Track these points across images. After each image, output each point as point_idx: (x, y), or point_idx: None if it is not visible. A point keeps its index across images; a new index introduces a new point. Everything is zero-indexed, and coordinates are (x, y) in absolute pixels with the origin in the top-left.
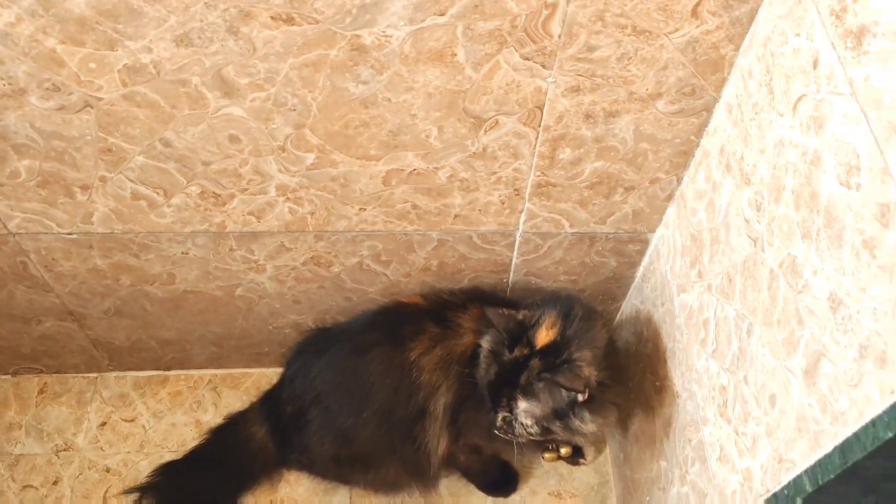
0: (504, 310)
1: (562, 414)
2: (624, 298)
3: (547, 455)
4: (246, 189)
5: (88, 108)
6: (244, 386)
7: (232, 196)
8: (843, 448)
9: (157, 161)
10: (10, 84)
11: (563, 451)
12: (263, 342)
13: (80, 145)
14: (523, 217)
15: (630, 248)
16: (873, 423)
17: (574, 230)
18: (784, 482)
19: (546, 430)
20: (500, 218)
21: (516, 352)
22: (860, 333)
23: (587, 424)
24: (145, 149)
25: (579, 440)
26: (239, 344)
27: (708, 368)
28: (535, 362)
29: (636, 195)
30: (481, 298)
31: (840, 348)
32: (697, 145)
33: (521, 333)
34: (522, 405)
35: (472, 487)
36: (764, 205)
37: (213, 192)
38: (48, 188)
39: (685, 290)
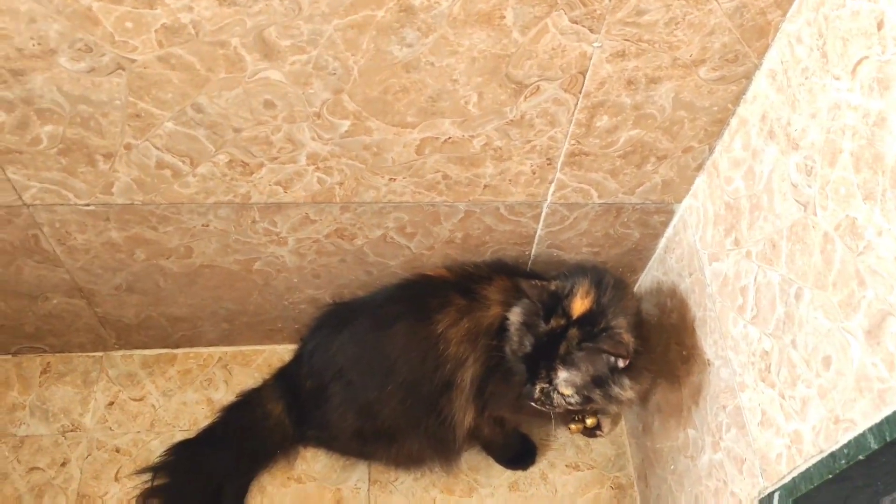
0: (537, 281)
1: (602, 382)
2: (643, 270)
3: (573, 426)
4: (276, 158)
5: (120, 71)
6: (255, 363)
7: (261, 165)
8: None
9: (187, 128)
10: (39, 44)
11: (589, 421)
12: (277, 318)
13: (107, 110)
14: (553, 188)
15: (655, 220)
16: None
17: (602, 201)
18: (842, 441)
19: (586, 399)
20: (530, 188)
21: (553, 322)
22: None
23: (626, 391)
24: (175, 114)
25: (615, 408)
26: (252, 320)
27: (747, 335)
28: (574, 332)
29: (668, 165)
30: (506, 271)
31: None
32: (734, 113)
33: (554, 304)
34: (563, 375)
35: (490, 461)
36: (816, 169)
37: (242, 161)
38: (69, 156)
39: (718, 258)
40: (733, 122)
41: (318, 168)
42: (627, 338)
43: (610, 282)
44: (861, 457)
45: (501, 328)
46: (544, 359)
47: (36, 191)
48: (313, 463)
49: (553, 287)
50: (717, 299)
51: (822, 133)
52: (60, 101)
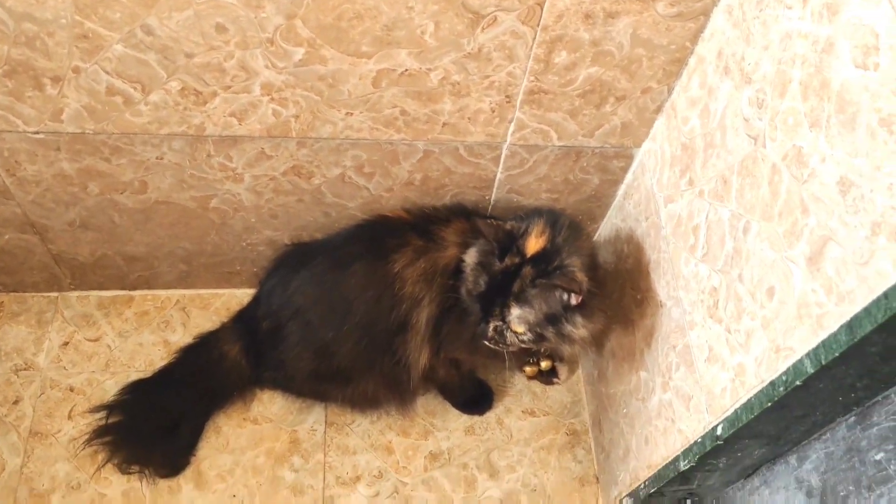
0: (492, 220)
1: (554, 319)
2: (603, 219)
3: (528, 369)
4: (229, 87)
5: None
6: (214, 307)
7: (214, 94)
8: (851, 324)
9: (137, 51)
10: None
11: (544, 364)
12: (235, 260)
13: (53, 30)
14: (512, 127)
15: (615, 165)
16: (885, 295)
17: (561, 143)
18: (781, 370)
19: (539, 337)
20: (489, 128)
21: (507, 261)
22: (873, 212)
23: (579, 329)
24: (125, 36)
25: (568, 348)
26: (210, 262)
27: (697, 273)
28: (528, 270)
29: (626, 106)
30: (464, 213)
31: (849, 230)
32: (692, 52)
33: (509, 243)
34: (515, 312)
35: (447, 406)
36: (766, 101)
37: (195, 89)
38: (15, 78)
39: (673, 199)
40: (691, 60)
41: (272, 99)
42: (581, 276)
43: (565, 223)
44: (798, 382)
45: (457, 270)
46: (498, 297)
47: None
48: (269, 405)
49: (508, 227)
50: (670, 241)
51: (773, 64)
52: (3, 18)
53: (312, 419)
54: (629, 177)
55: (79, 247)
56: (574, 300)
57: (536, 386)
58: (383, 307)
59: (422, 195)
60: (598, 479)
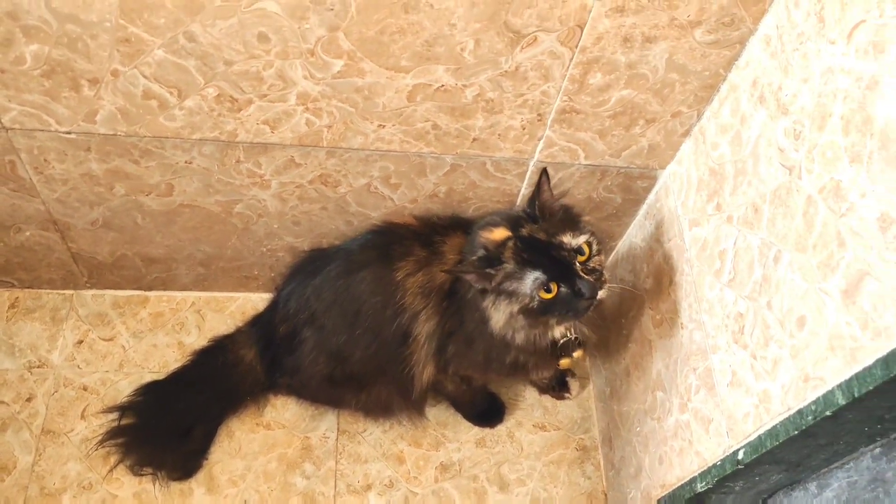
0: (473, 259)
1: (573, 221)
2: (622, 237)
3: (564, 361)
4: (265, 95)
5: None
6: (229, 310)
7: (249, 102)
8: (887, 360)
9: (177, 57)
10: None
11: (576, 354)
12: (254, 265)
13: (96, 32)
14: (541, 145)
15: (638, 185)
16: None
17: (588, 162)
18: (811, 399)
19: (591, 233)
20: (518, 144)
21: (516, 258)
22: None
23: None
24: (167, 42)
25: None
26: (228, 266)
27: (722, 298)
28: (525, 229)
29: (655, 128)
30: (464, 226)
31: (888, 266)
32: (725, 79)
33: (493, 260)
34: (568, 239)
35: (459, 418)
36: (804, 133)
37: (231, 96)
38: (53, 79)
39: (699, 223)
40: (723, 87)
41: (307, 109)
42: (549, 195)
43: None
44: (828, 413)
45: (452, 291)
46: (559, 266)
47: (16, 114)
48: (283, 410)
49: (477, 257)
50: (694, 264)
51: (813, 97)
52: (48, 19)
53: (325, 426)
54: (651, 197)
55: (99, 246)
56: (554, 203)
57: (547, 400)
58: (388, 315)
59: (445, 208)
60: (606, 495)
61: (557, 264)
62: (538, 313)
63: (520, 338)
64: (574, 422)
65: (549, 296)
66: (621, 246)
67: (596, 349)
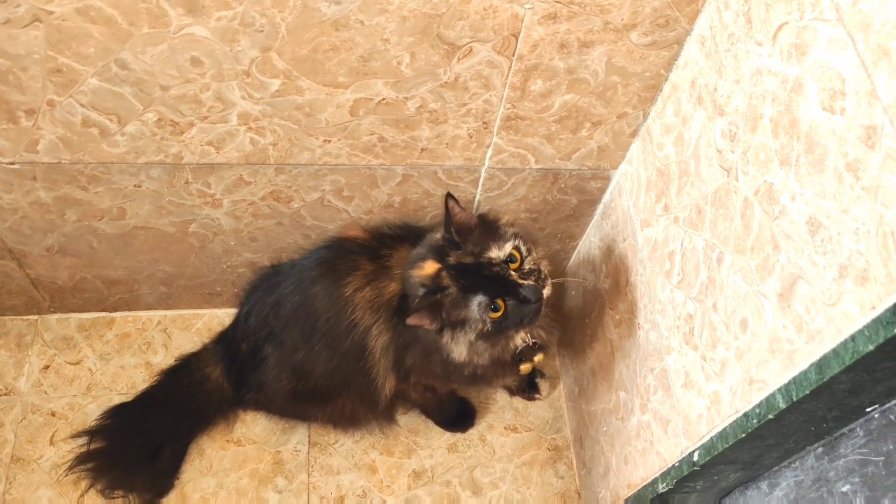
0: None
1: (493, 232)
2: (582, 237)
3: (523, 367)
4: (206, 117)
5: (37, 23)
6: (195, 327)
7: (191, 124)
8: (820, 364)
9: (112, 84)
10: None
11: (537, 358)
12: (216, 282)
13: (26, 64)
14: (490, 152)
15: (592, 186)
16: (853, 338)
17: (539, 166)
18: (755, 402)
19: (515, 236)
20: (467, 152)
21: (456, 285)
22: (840, 254)
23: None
24: (99, 70)
25: (556, 331)
26: (190, 284)
27: (673, 299)
28: (452, 257)
29: (602, 130)
30: (414, 236)
31: (818, 270)
32: (666, 79)
33: (437, 286)
34: (493, 252)
35: (431, 424)
36: (739, 134)
37: (171, 120)
38: None
39: (649, 224)
40: (666, 87)
41: (250, 128)
42: (463, 215)
43: (427, 237)
44: (771, 416)
45: (401, 306)
46: (496, 283)
47: None
48: (253, 426)
49: (422, 292)
50: (647, 264)
51: (745, 99)
52: None
53: (296, 440)
54: (606, 197)
55: (57, 271)
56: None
57: (518, 402)
58: (342, 330)
59: (402, 217)
60: (579, 494)
61: (494, 281)
62: (494, 333)
63: (484, 360)
64: (545, 422)
65: (497, 314)
66: (581, 245)
67: (564, 349)
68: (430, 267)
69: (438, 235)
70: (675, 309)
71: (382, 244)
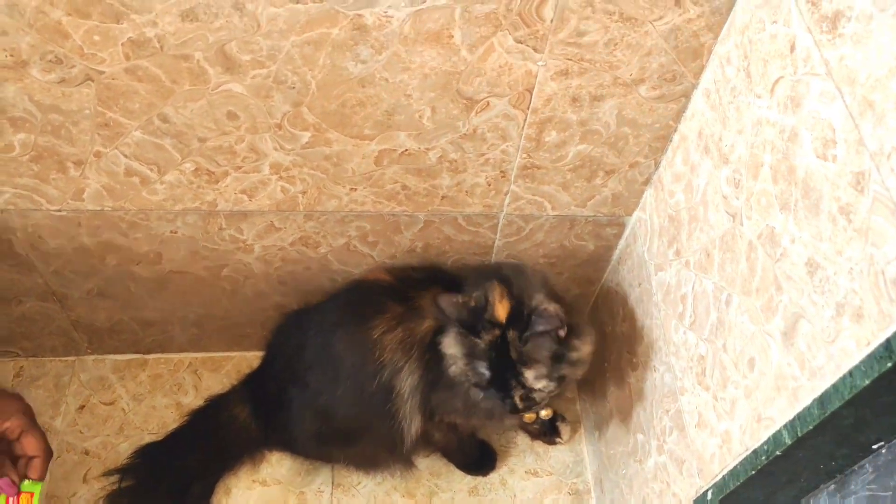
0: (457, 297)
1: (560, 357)
2: (600, 281)
3: (526, 416)
4: (240, 167)
5: (89, 82)
6: (225, 369)
7: (226, 174)
8: (822, 399)
9: (154, 136)
10: (12, 56)
11: (544, 413)
12: (246, 324)
13: (77, 119)
14: (507, 199)
15: (608, 232)
16: (850, 373)
17: (556, 213)
18: (763, 438)
19: (559, 380)
20: (486, 199)
21: (487, 336)
22: (837, 293)
23: (581, 349)
24: (143, 124)
25: (581, 370)
26: (221, 325)
27: (686, 341)
28: (511, 334)
29: (616, 179)
30: (441, 280)
31: (817, 309)
32: (675, 130)
33: (477, 319)
34: (530, 374)
35: (452, 467)
36: (742, 181)
37: (207, 170)
38: (41, 163)
39: (663, 268)
40: (675, 138)
41: (280, 177)
42: (553, 308)
43: (509, 272)
44: (779, 452)
45: (433, 343)
46: (506, 372)
47: (9, 196)
48: (278, 466)
49: (472, 303)
50: (661, 307)
51: (747, 148)
52: (32, 110)
53: (320, 480)
54: (622, 243)
55: (96, 313)
56: (562, 332)
57: (539, 446)
58: (368, 372)
59: (424, 261)
60: None
61: (502, 362)
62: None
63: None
64: (566, 466)
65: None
66: (600, 290)
67: (584, 393)
68: (502, 311)
69: (535, 301)
70: (688, 350)
71: (409, 286)
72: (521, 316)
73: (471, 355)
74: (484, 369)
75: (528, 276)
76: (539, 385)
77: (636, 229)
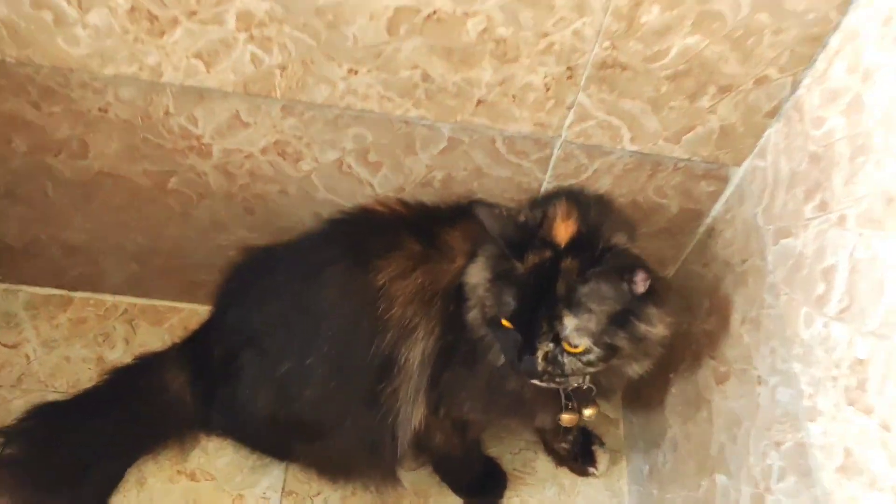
0: (502, 209)
1: (623, 319)
2: (676, 262)
3: (566, 416)
4: (195, 12)
5: None
6: (168, 323)
7: (174, 22)
8: None
9: None
10: None
11: (588, 412)
12: (200, 266)
13: None
14: (571, 117)
15: (702, 188)
16: None
17: (635, 147)
18: None
19: (608, 350)
20: (540, 114)
21: (532, 258)
22: None
23: (657, 326)
24: None
25: (640, 353)
26: (168, 264)
27: (828, 337)
28: (569, 262)
29: (731, 101)
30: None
31: None
32: (837, 27)
33: (526, 238)
34: (571, 322)
35: (445, 489)
36: None
37: (149, 12)
38: None
39: (790, 233)
40: (834, 39)
41: (251, 37)
42: (638, 253)
43: (591, 197)
44: None
45: (462, 296)
46: (539, 310)
47: None
48: (215, 457)
49: (522, 217)
50: (782, 291)
51: None
52: None
53: (267, 483)
54: (718, 208)
55: (5, 223)
56: (642, 285)
57: (566, 476)
58: (361, 334)
59: (442, 201)
60: None
61: (540, 298)
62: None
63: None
64: None
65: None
66: (673, 275)
67: (631, 412)
68: (567, 230)
69: (615, 239)
70: (831, 352)
71: (432, 221)
72: (589, 246)
73: (501, 277)
74: (511, 299)
75: (614, 212)
76: (578, 340)
77: (745, 185)
